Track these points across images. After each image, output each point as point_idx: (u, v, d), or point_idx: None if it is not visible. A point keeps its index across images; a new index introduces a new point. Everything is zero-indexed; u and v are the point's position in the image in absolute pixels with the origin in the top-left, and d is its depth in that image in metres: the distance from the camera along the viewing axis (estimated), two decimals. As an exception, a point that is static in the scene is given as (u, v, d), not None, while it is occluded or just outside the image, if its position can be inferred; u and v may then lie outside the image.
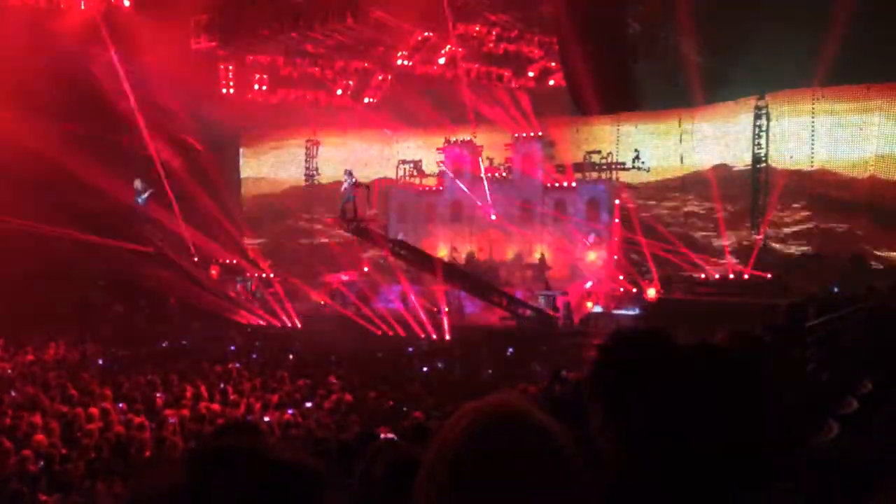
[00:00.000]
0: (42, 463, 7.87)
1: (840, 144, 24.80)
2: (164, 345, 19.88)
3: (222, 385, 13.01)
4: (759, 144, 25.61)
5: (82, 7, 25.91)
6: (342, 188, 25.53)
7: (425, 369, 16.22)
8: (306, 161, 35.36)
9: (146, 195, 26.19)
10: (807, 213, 25.25)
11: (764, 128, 25.54)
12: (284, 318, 25.76)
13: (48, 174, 24.62)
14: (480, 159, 30.09)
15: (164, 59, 25.70)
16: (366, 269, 29.02)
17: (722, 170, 26.97)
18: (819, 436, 3.05)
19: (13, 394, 11.91)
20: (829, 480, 2.15)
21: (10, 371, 14.94)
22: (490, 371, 16.51)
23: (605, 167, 28.43)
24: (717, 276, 24.01)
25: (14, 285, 24.18)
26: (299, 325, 25.29)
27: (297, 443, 8.50)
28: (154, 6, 25.82)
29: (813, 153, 25.20)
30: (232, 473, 1.06)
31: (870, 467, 2.30)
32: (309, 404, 11.80)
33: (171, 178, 28.23)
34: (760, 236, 24.66)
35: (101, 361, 16.54)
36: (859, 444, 2.66)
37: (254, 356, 17.88)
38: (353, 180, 25.38)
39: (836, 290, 15.91)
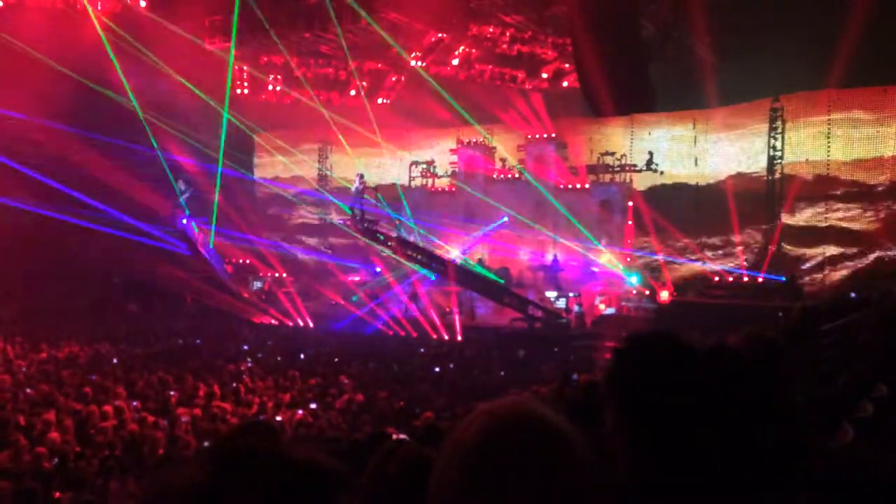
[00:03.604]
0: (56, 460, 7.91)
1: (857, 147, 24.59)
2: (178, 343, 19.96)
3: (235, 384, 13.07)
4: (774, 147, 25.43)
5: (98, 8, 26.12)
6: (353, 190, 25.61)
7: (437, 370, 16.18)
8: (319, 161, 35.47)
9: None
10: (823, 215, 25.04)
11: (779, 130, 25.35)
12: (297, 317, 25.84)
13: (67, 175, 24.87)
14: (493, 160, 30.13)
15: (180, 60, 25.87)
16: (378, 269, 29.06)
17: (736, 172, 26.80)
18: (834, 440, 3.02)
19: (28, 391, 11.99)
20: (845, 485, 2.13)
21: (24, 368, 15.03)
22: (502, 373, 16.46)
23: (618, 169, 28.34)
24: (730, 278, 23.84)
25: (30, 283, 24.46)
26: (311, 325, 25.37)
27: (311, 442, 8.51)
28: (169, 7, 26.00)
29: (829, 156, 25.01)
30: (252, 473, 1.06)
31: (886, 471, 2.28)
32: (314, 406, 11.79)
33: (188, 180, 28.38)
34: (775, 239, 24.47)
35: (115, 360, 16.60)
36: (875, 448, 2.64)
37: (260, 356, 17.90)
38: (363, 183, 25.44)
39: (853, 295, 15.74)
